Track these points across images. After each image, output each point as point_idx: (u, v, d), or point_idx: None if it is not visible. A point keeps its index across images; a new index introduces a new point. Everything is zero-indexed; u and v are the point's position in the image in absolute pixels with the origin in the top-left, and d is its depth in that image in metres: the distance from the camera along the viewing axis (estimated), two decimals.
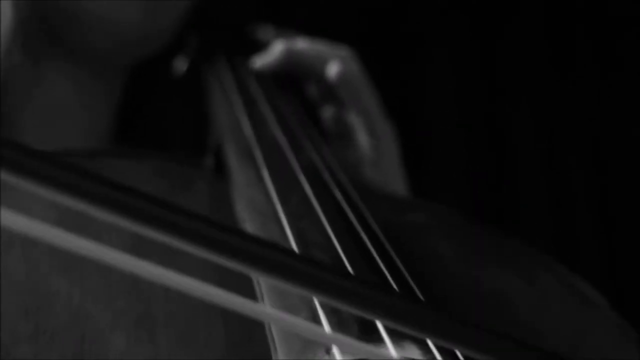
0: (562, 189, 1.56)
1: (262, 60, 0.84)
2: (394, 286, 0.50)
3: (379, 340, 0.43)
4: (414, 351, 0.43)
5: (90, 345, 0.47)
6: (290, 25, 1.47)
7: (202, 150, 0.78)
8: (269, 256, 0.35)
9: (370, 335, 0.43)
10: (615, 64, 1.57)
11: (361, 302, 0.37)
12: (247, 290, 0.44)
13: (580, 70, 1.58)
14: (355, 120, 0.83)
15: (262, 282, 0.50)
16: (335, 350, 0.43)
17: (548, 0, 1.59)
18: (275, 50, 0.84)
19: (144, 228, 0.34)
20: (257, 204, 0.59)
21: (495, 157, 1.58)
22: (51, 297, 0.49)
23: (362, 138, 0.83)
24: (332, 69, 0.82)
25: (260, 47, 0.87)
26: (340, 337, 0.39)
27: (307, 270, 0.36)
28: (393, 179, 0.84)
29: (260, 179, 0.62)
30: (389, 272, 0.52)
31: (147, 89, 0.84)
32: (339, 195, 0.61)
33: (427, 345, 0.44)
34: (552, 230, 1.55)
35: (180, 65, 0.89)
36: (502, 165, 1.57)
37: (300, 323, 0.38)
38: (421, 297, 0.50)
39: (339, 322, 0.44)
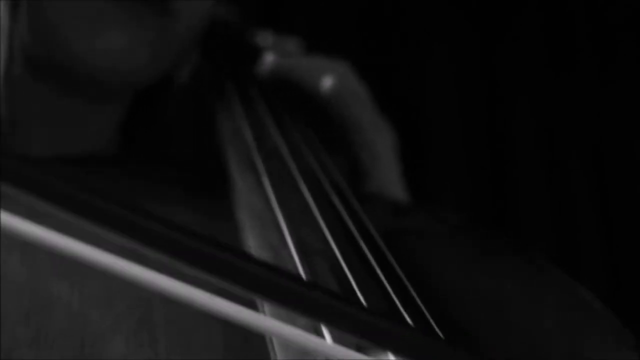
0: (562, 189, 1.56)
1: (255, 71, 0.84)
2: (392, 293, 0.51)
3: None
4: None
5: (90, 350, 0.47)
6: (291, 24, 1.48)
7: (203, 155, 0.78)
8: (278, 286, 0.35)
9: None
10: (616, 64, 1.57)
11: (367, 333, 0.37)
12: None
13: (581, 70, 1.58)
14: (350, 133, 0.83)
15: None
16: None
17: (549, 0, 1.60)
18: (266, 62, 0.84)
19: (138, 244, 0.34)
20: (257, 210, 0.59)
21: (496, 157, 1.58)
22: (51, 301, 0.49)
23: (358, 150, 0.83)
24: (326, 83, 0.82)
25: (259, 53, 0.87)
26: (340, 349, 0.39)
27: (312, 300, 0.36)
28: (391, 187, 0.84)
29: (261, 185, 0.62)
30: (387, 279, 0.52)
31: (149, 95, 0.84)
32: (338, 202, 0.61)
33: None
34: (552, 231, 1.55)
35: (182, 70, 0.89)
36: (502, 165, 1.57)
37: (302, 335, 0.38)
38: (421, 305, 0.50)
39: (340, 333, 0.44)
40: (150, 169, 0.74)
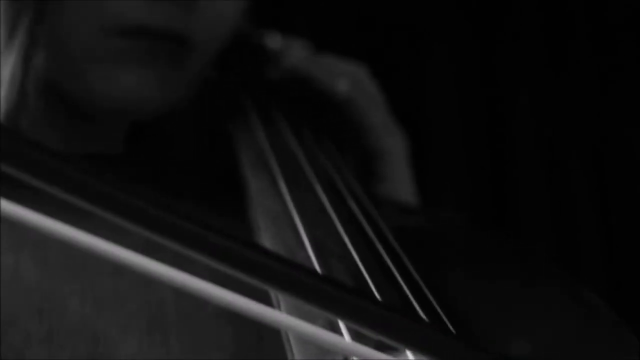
0: (562, 189, 1.56)
1: (267, 73, 0.84)
2: (409, 293, 0.51)
3: (397, 349, 0.43)
4: None
5: (103, 348, 0.47)
6: (291, 24, 1.47)
7: (207, 157, 0.78)
8: (296, 278, 0.36)
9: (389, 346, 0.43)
10: (616, 64, 1.57)
11: (386, 328, 0.37)
12: (262, 295, 0.44)
13: (581, 70, 1.58)
14: (364, 136, 0.83)
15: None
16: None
17: None
18: (280, 64, 0.84)
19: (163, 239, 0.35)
20: (273, 212, 0.59)
21: (496, 157, 1.58)
22: (64, 299, 0.49)
23: (371, 153, 0.83)
24: (342, 86, 0.82)
25: (268, 55, 0.86)
26: (359, 347, 0.39)
27: (331, 294, 0.37)
28: (402, 190, 0.84)
29: (276, 188, 0.62)
30: (403, 279, 0.52)
31: None
32: (353, 204, 0.61)
33: None
34: (552, 231, 1.55)
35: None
36: (502, 165, 1.57)
37: (320, 333, 0.38)
38: (435, 305, 0.51)
39: (357, 331, 0.44)
40: (155, 171, 0.74)
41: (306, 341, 0.46)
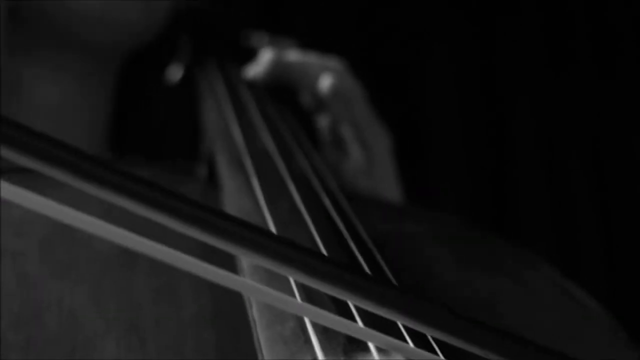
0: (562, 189, 1.56)
1: (251, 69, 0.85)
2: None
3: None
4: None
5: (81, 354, 0.47)
6: (291, 24, 1.48)
7: (195, 156, 0.78)
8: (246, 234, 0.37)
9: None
10: (616, 64, 1.57)
11: (335, 281, 0.38)
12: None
13: (581, 70, 1.58)
14: (347, 131, 0.83)
15: (245, 266, 0.51)
16: (319, 356, 0.44)
17: None
18: (263, 60, 0.84)
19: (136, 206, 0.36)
20: (246, 211, 0.59)
21: (495, 157, 1.58)
22: (42, 306, 0.50)
23: (355, 148, 0.83)
24: (324, 82, 0.83)
25: (253, 54, 0.87)
26: (315, 309, 0.40)
27: (282, 249, 0.38)
28: (387, 187, 0.85)
29: (250, 187, 0.62)
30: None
31: (141, 96, 0.84)
32: (328, 203, 0.61)
33: (400, 331, 0.45)
34: (552, 231, 1.55)
35: (175, 71, 0.89)
36: (502, 165, 1.57)
37: (274, 294, 0.39)
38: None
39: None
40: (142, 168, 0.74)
41: (275, 345, 0.46)
